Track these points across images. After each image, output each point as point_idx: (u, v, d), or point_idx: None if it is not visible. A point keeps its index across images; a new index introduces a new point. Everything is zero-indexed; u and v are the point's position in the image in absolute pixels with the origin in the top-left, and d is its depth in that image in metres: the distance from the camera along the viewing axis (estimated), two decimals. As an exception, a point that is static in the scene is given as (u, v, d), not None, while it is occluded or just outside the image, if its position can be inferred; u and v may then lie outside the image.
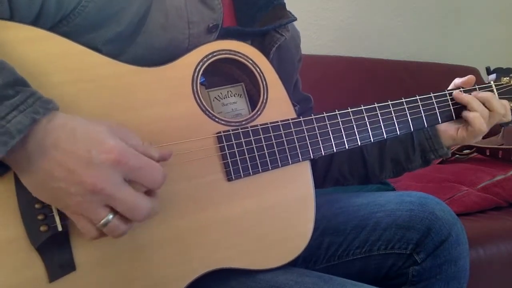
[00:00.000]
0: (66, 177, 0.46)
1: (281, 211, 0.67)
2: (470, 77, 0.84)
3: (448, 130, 0.84)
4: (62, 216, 0.51)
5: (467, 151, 1.55)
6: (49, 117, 0.46)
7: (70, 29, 0.57)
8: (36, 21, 0.55)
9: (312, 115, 0.70)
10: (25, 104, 0.45)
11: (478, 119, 0.79)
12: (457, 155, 1.56)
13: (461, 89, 0.83)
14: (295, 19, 0.77)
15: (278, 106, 0.69)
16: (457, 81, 0.85)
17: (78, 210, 0.47)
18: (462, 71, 0.84)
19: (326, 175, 0.91)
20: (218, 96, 0.71)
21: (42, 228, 0.51)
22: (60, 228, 0.52)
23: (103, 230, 0.48)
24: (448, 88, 0.85)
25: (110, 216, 0.47)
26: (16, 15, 0.52)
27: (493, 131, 1.37)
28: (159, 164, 0.50)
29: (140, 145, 0.50)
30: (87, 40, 0.57)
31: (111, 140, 0.47)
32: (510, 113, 0.83)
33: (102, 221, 0.47)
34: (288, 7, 0.79)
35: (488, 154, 1.50)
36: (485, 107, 0.80)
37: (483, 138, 1.55)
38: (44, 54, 0.54)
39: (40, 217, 0.51)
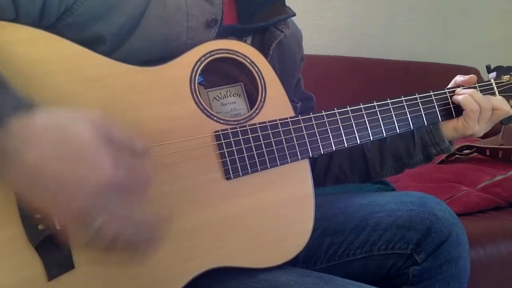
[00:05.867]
0: (47, 199, 0.43)
1: (281, 209, 0.67)
2: (472, 77, 0.82)
3: (449, 121, 0.82)
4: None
5: (467, 151, 1.55)
6: (24, 120, 0.42)
7: (75, 19, 0.57)
8: (41, 15, 0.55)
9: (311, 113, 0.69)
10: None
11: (468, 98, 0.78)
12: (457, 155, 1.55)
13: (461, 87, 0.82)
14: (294, 15, 0.77)
15: (277, 104, 0.69)
16: (458, 79, 0.84)
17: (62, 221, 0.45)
18: (462, 71, 0.84)
19: (326, 172, 0.90)
20: (217, 96, 0.70)
21: (41, 227, 0.51)
22: (58, 227, 0.51)
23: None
24: (449, 86, 0.84)
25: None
26: (20, 12, 0.52)
27: (493, 131, 1.36)
28: (146, 169, 0.47)
29: (124, 138, 0.47)
30: (92, 32, 0.58)
31: (102, 161, 0.43)
32: (505, 106, 0.81)
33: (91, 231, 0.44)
34: (288, 7, 0.78)
35: (488, 154, 1.50)
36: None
37: (483, 138, 1.56)
38: (42, 55, 0.54)
39: (38, 215, 0.51)
